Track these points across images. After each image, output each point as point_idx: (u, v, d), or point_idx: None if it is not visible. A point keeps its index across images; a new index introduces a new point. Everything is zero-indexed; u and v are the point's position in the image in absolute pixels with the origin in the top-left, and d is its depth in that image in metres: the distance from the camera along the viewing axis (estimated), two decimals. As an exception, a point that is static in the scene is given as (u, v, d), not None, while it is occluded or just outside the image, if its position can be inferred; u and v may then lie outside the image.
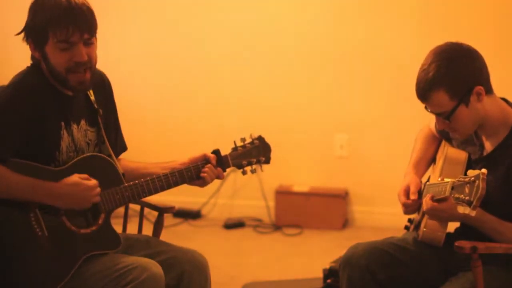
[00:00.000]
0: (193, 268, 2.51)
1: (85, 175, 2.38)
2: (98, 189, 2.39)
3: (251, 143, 2.66)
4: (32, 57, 2.43)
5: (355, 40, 4.82)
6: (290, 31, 4.92)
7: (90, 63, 2.40)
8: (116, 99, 2.66)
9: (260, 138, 2.68)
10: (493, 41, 4.57)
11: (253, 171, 2.67)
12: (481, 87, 2.43)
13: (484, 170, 2.25)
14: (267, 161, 2.69)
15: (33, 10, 2.38)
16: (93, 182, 2.38)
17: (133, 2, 5.11)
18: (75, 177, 2.36)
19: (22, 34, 2.42)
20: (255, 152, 2.66)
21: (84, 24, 2.36)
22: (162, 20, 5.08)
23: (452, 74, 2.41)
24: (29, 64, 2.45)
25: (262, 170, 2.70)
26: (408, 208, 2.63)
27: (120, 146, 2.67)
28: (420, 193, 2.63)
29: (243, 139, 2.66)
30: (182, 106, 5.12)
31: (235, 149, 2.64)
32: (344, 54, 4.85)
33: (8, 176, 2.28)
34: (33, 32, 2.38)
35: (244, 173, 2.66)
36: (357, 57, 4.83)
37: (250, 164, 2.65)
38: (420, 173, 2.73)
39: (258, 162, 2.67)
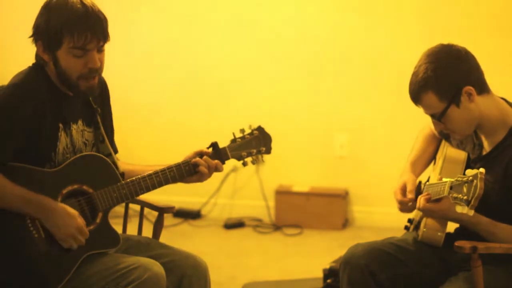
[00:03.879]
0: (193, 272, 2.50)
1: (84, 226, 2.36)
2: (83, 240, 2.36)
3: (251, 134, 2.63)
4: (37, 57, 2.41)
5: (356, 40, 4.82)
6: (291, 31, 4.92)
7: (100, 69, 2.42)
8: (115, 97, 2.65)
9: (259, 129, 2.65)
10: (494, 41, 4.57)
11: (254, 162, 2.64)
12: (471, 87, 2.44)
13: (482, 170, 2.26)
14: (268, 151, 2.65)
15: (47, 13, 2.35)
16: (86, 231, 2.36)
17: (131, 1, 5.13)
18: (75, 211, 2.35)
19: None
20: (255, 143, 2.63)
21: (101, 32, 2.36)
22: (161, 18, 5.09)
23: (439, 76, 2.43)
24: (29, 64, 2.44)
25: (263, 161, 2.67)
26: (404, 206, 2.64)
27: (112, 148, 2.66)
28: (419, 192, 2.63)
29: (242, 131, 2.63)
30: (182, 105, 5.11)
31: (234, 140, 2.62)
32: (345, 54, 4.85)
33: (3, 186, 2.27)
34: (46, 35, 2.35)
35: (244, 164, 2.63)
36: (358, 57, 4.83)
37: (250, 155, 2.62)
38: (417, 172, 2.74)
39: (259, 152, 2.63)
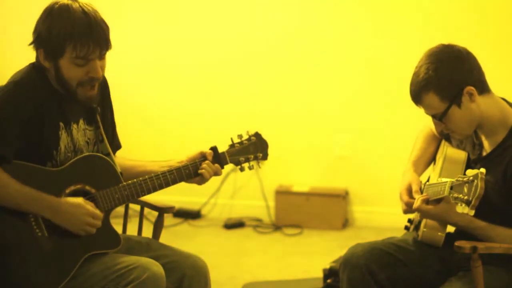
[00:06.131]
0: (193, 272, 2.51)
1: (94, 209, 2.37)
2: (99, 222, 2.38)
3: (248, 139, 2.66)
4: (37, 60, 2.41)
5: (356, 41, 4.82)
6: (292, 32, 4.92)
7: (101, 77, 2.42)
8: (116, 96, 2.66)
9: (257, 135, 2.68)
10: (494, 42, 4.57)
11: (250, 168, 2.67)
12: (472, 88, 2.44)
13: (482, 170, 2.27)
14: (265, 157, 2.69)
15: (49, 21, 2.34)
16: (98, 212, 2.38)
17: (132, 0, 5.13)
18: (80, 199, 2.37)
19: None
20: (253, 149, 2.66)
21: (104, 42, 2.36)
22: (162, 19, 5.09)
23: (440, 76, 2.43)
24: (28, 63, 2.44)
25: (259, 167, 2.70)
26: (410, 207, 2.63)
27: (115, 144, 2.67)
28: (421, 192, 2.63)
29: (240, 136, 2.66)
30: (181, 105, 5.12)
31: (232, 145, 2.65)
32: (345, 54, 4.85)
33: (8, 184, 2.27)
34: (48, 44, 2.34)
35: (242, 169, 2.66)
36: (358, 57, 4.83)
37: (247, 160, 2.65)
38: (418, 171, 2.74)
39: (256, 158, 2.67)
